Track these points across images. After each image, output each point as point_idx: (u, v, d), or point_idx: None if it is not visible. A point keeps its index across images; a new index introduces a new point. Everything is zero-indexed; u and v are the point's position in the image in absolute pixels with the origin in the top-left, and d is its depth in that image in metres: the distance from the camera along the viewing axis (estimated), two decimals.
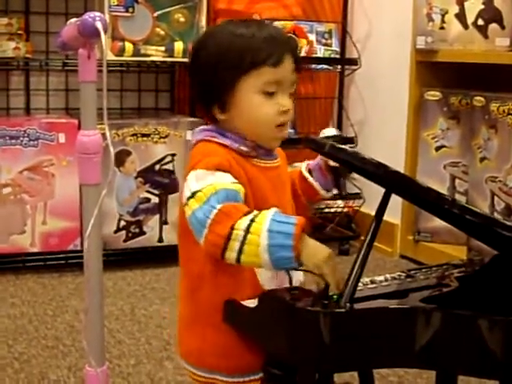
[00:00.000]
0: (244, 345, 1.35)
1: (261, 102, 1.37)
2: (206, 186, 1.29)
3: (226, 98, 1.38)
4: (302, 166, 1.55)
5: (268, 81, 1.36)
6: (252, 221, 1.23)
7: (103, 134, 1.39)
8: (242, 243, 1.22)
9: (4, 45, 3.10)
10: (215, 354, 1.39)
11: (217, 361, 1.40)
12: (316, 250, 1.22)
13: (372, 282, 1.31)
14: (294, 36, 1.52)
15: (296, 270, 1.25)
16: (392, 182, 1.20)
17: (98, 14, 1.32)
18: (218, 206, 1.25)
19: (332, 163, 1.47)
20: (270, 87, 1.37)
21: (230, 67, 1.36)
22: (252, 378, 1.39)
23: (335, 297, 1.19)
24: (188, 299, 1.44)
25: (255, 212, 1.25)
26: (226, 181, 1.31)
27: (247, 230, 1.22)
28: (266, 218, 1.22)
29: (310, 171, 1.54)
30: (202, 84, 1.42)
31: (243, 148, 1.38)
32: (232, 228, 1.23)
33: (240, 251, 1.23)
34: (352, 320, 1.17)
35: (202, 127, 1.44)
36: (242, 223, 1.23)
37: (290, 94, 1.40)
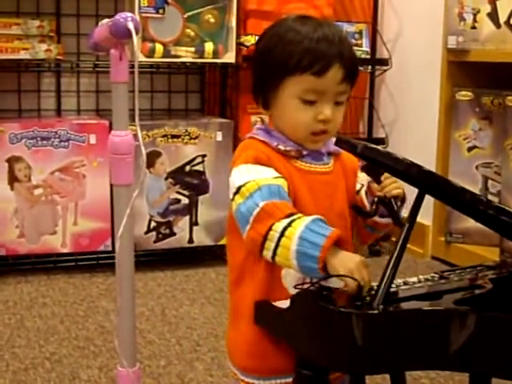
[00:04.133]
0: (273, 345, 1.34)
1: (297, 108, 1.33)
2: (249, 180, 1.28)
3: (269, 95, 1.36)
4: (364, 186, 1.45)
5: (307, 89, 1.32)
6: (289, 224, 1.22)
7: (134, 135, 1.40)
8: (277, 245, 1.22)
9: (35, 47, 3.12)
10: (246, 352, 1.38)
11: (246, 361, 1.38)
12: (347, 258, 1.20)
13: (405, 283, 1.29)
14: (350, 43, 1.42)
15: (325, 278, 1.22)
16: (426, 182, 1.18)
17: (129, 14, 1.32)
18: (261, 204, 1.25)
19: (378, 193, 1.36)
20: (309, 96, 1.32)
21: (275, 65, 1.33)
22: (279, 382, 1.38)
23: (368, 298, 1.18)
24: (231, 293, 1.42)
25: (296, 215, 1.23)
26: (268, 176, 1.29)
27: (282, 233, 1.21)
28: (301, 224, 1.21)
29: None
30: (253, 76, 1.40)
31: (281, 147, 1.35)
32: (270, 228, 1.23)
33: (274, 252, 1.23)
34: (385, 321, 1.16)
35: (256, 125, 1.42)
36: (280, 225, 1.22)
37: (336, 103, 1.35)
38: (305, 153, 1.37)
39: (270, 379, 1.37)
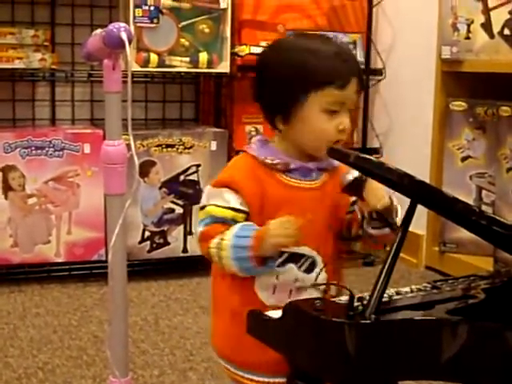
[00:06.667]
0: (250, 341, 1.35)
1: (323, 119, 1.41)
2: (206, 205, 1.43)
3: (292, 110, 1.43)
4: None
5: (333, 101, 1.41)
6: (222, 239, 1.38)
7: (128, 145, 1.40)
8: (219, 258, 1.39)
9: (30, 56, 3.13)
10: (222, 342, 1.50)
11: (223, 350, 1.50)
12: (266, 235, 1.34)
13: (397, 293, 1.29)
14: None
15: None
16: (418, 192, 1.18)
17: (122, 24, 1.32)
18: (201, 229, 1.42)
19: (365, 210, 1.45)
20: (334, 107, 1.41)
21: (301, 83, 1.41)
22: (267, 381, 1.45)
23: (360, 308, 1.18)
24: (211, 287, 1.53)
25: (227, 230, 1.39)
26: (223, 203, 1.41)
27: (219, 248, 1.38)
28: (230, 235, 1.37)
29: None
30: (269, 95, 1.46)
31: (268, 161, 1.44)
32: (209, 247, 1.40)
33: (221, 264, 1.40)
34: (377, 331, 1.16)
35: (256, 137, 1.51)
36: (215, 242, 1.39)
37: (349, 112, 1.44)
38: (292, 167, 1.44)
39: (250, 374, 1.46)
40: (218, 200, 1.42)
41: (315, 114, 1.41)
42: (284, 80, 1.42)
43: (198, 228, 1.43)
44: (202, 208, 1.44)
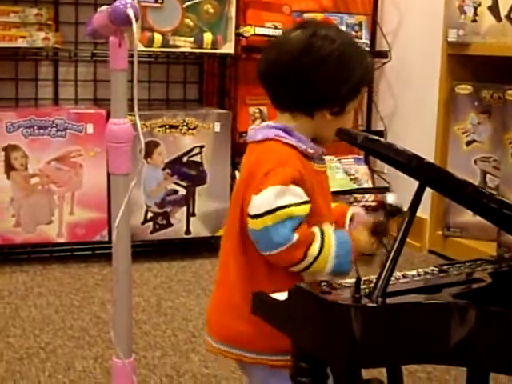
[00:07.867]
0: None
1: (352, 115, 1.52)
2: (283, 205, 1.36)
3: (347, 105, 1.46)
4: (349, 213, 1.55)
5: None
6: (321, 247, 1.38)
7: (133, 125, 1.38)
8: (310, 265, 1.39)
9: (33, 35, 3.10)
10: (268, 336, 1.38)
11: (269, 343, 1.42)
12: (358, 247, 1.43)
13: (404, 276, 1.28)
14: None
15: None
16: (427, 174, 1.17)
17: (129, 0, 1.30)
18: (296, 235, 1.36)
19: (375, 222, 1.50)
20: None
21: (361, 81, 1.46)
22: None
23: (367, 291, 1.17)
24: (243, 286, 1.45)
25: (320, 235, 1.39)
26: (299, 200, 1.38)
27: (317, 257, 1.38)
28: (331, 243, 1.39)
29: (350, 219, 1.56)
30: (328, 87, 1.43)
31: (310, 150, 1.45)
32: (305, 255, 1.37)
33: (305, 269, 1.39)
34: (384, 314, 1.15)
35: (266, 124, 1.48)
36: (314, 250, 1.38)
37: None
38: (321, 152, 1.49)
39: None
40: (292, 197, 1.37)
41: (352, 110, 1.49)
42: (350, 76, 1.43)
43: (287, 233, 1.36)
44: (276, 210, 1.36)
